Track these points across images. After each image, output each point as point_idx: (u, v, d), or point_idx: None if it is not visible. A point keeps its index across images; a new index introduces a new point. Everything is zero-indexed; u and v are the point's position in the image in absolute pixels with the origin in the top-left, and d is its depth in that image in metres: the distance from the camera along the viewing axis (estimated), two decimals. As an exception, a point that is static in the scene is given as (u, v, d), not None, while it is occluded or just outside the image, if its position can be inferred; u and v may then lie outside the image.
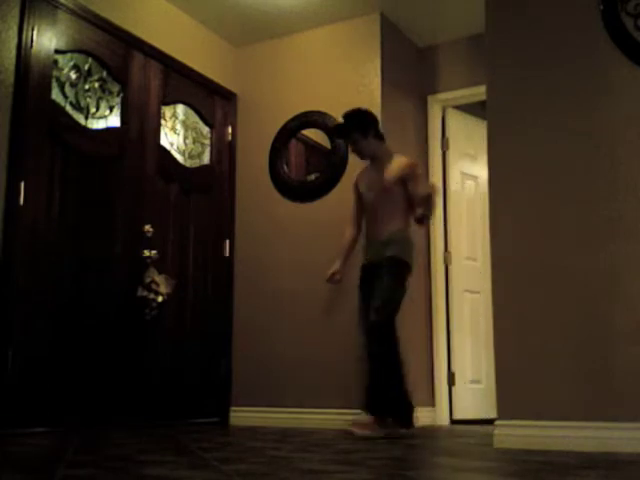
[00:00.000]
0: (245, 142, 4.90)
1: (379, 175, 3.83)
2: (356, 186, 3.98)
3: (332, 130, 4.16)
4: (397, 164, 3.82)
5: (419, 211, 3.68)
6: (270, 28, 4.75)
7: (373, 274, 3.72)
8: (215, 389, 4.52)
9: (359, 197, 3.96)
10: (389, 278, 3.64)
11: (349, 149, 4.07)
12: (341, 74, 4.62)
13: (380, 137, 3.89)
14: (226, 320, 4.66)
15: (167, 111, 4.47)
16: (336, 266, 3.94)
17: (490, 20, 3.32)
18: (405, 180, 3.76)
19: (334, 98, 4.58)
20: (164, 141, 4.40)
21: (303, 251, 4.51)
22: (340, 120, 3.95)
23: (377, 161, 3.89)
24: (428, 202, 3.64)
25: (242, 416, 4.49)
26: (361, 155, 3.92)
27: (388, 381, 3.57)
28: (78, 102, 3.83)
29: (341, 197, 4.45)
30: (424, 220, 3.79)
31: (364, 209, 3.92)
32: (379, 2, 4.45)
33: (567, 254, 2.99)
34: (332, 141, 4.54)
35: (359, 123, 3.85)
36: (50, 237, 3.58)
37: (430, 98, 4.94)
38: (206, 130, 4.77)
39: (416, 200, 3.70)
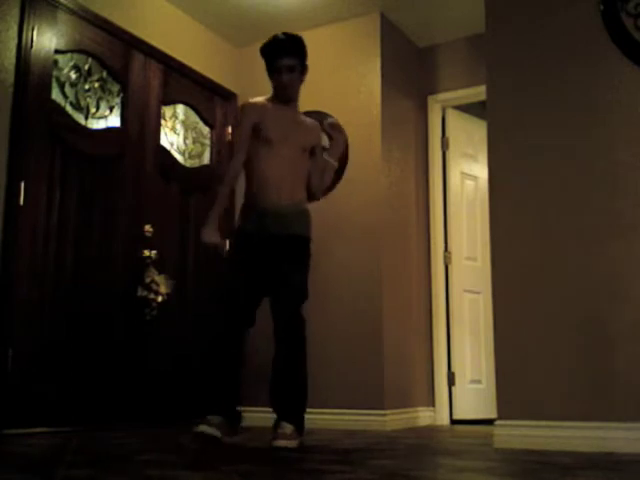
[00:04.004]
0: (245, 142, 4.89)
1: (300, 129, 3.25)
2: (255, 121, 3.16)
3: (276, 39, 3.21)
4: (316, 130, 3.34)
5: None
6: (270, 28, 4.73)
7: (274, 251, 3.09)
8: (215, 389, 4.51)
9: (253, 132, 3.17)
10: (305, 265, 3.16)
11: (280, 75, 3.18)
12: (341, 74, 4.62)
13: None
14: (226, 320, 4.66)
15: (167, 111, 4.47)
16: (216, 237, 3.10)
17: (490, 20, 3.33)
18: (313, 148, 3.31)
19: (334, 98, 4.58)
20: (164, 141, 4.40)
21: (303, 251, 4.51)
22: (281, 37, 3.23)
23: (290, 109, 3.27)
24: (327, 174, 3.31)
25: (242, 416, 4.48)
26: (289, 91, 3.22)
27: (305, 382, 3.13)
28: (78, 102, 3.83)
29: (341, 197, 4.45)
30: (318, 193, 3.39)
31: (262, 157, 3.15)
32: (379, 2, 4.45)
33: (567, 254, 2.99)
34: (332, 140, 4.53)
35: (305, 54, 3.23)
36: (50, 237, 3.58)
37: (430, 98, 4.94)
38: (206, 130, 4.77)
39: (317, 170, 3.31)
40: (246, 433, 3.57)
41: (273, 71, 3.21)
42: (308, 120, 3.36)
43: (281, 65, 3.17)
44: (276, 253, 3.09)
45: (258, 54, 5.28)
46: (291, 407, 3.07)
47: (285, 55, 3.16)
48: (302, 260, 3.16)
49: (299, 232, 3.16)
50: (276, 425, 3.02)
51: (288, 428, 2.95)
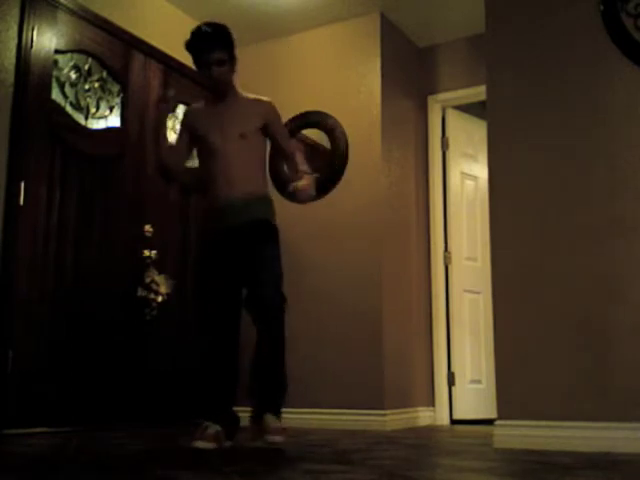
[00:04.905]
0: (245, 142, 4.89)
1: (234, 117, 3.10)
2: (190, 125, 3.16)
3: (201, 33, 3.05)
4: (258, 106, 3.15)
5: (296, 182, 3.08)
6: (270, 28, 4.75)
7: (239, 241, 3.01)
8: (215, 389, 4.51)
9: (192, 138, 3.15)
10: (272, 247, 3.05)
11: (209, 70, 3.03)
12: (341, 74, 4.62)
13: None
14: (226, 320, 4.66)
15: (167, 111, 4.46)
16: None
17: (490, 20, 3.33)
18: (267, 126, 3.13)
19: (334, 98, 4.59)
20: (164, 141, 4.40)
21: (303, 251, 4.51)
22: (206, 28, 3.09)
23: (227, 99, 3.14)
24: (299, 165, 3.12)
25: (243, 416, 4.48)
26: (220, 83, 3.07)
27: (284, 368, 3.04)
28: (78, 102, 3.83)
29: (341, 197, 4.46)
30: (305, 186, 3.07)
31: (207, 158, 3.10)
32: (379, 2, 4.45)
33: (567, 254, 2.99)
34: (332, 141, 4.54)
35: (233, 45, 3.08)
36: (50, 237, 3.58)
37: (430, 98, 4.94)
38: (206, 130, 4.77)
39: (287, 156, 3.20)
40: (245, 433, 3.56)
41: (201, 66, 3.05)
42: (249, 103, 3.17)
43: (210, 60, 3.00)
44: (241, 242, 3.01)
45: (258, 54, 5.25)
46: (274, 396, 3.01)
47: (213, 49, 2.99)
48: (269, 239, 3.05)
49: (259, 216, 3.05)
50: (259, 419, 2.95)
51: (275, 421, 2.88)
